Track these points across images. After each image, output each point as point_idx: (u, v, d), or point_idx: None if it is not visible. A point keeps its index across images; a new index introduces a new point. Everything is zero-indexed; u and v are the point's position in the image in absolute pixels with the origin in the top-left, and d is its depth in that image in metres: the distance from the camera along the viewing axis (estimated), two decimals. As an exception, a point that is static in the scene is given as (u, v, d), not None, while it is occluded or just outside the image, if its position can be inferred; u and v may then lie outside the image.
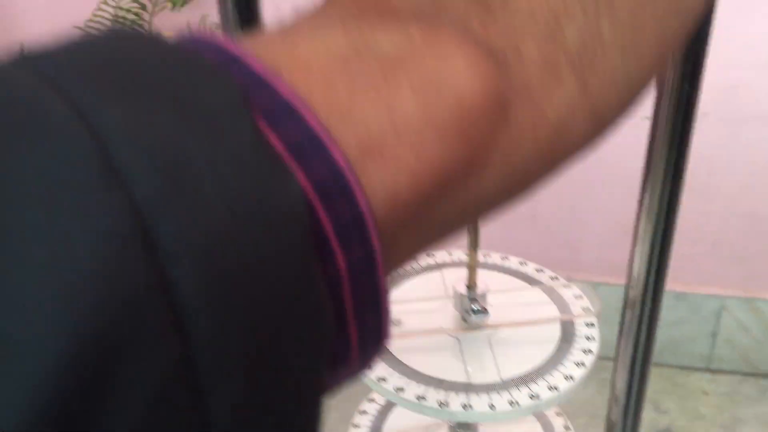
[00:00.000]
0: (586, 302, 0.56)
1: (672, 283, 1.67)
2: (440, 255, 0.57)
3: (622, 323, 0.47)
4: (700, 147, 1.60)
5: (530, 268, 0.59)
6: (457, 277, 0.55)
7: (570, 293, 0.56)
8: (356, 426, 0.58)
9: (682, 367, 1.67)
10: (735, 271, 1.59)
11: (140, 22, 1.57)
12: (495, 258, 0.59)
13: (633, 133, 1.58)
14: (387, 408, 0.61)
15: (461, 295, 0.51)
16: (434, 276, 0.57)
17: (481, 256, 0.55)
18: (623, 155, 1.60)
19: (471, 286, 0.53)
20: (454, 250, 0.58)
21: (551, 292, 0.56)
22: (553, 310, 0.54)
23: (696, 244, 1.58)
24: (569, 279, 1.77)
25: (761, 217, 1.54)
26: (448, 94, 0.20)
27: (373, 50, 0.20)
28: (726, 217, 1.55)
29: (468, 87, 0.20)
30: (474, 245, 0.52)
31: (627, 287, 0.47)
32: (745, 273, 1.58)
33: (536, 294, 0.56)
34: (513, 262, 0.58)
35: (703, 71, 0.39)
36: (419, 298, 0.54)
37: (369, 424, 0.59)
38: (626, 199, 1.67)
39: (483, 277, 0.54)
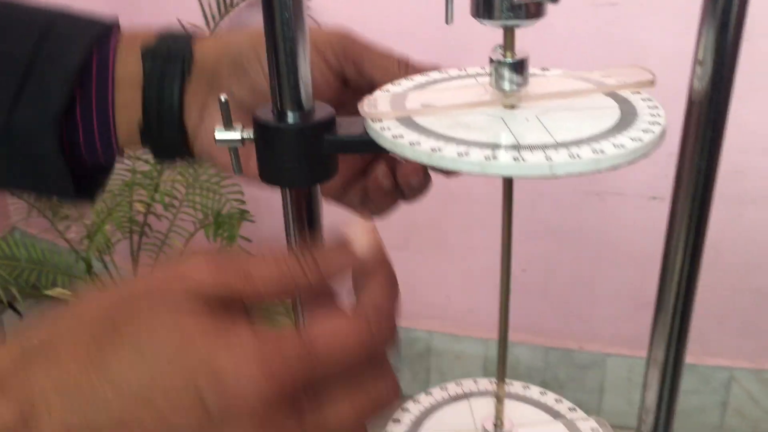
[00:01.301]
0: None
1: (681, 355, 1.43)
2: (467, 384, 0.50)
3: (643, 389, 0.41)
4: (708, 225, 1.42)
5: (550, 398, 0.49)
6: (484, 409, 0.48)
7: (587, 426, 0.46)
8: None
9: (692, 443, 1.39)
10: (743, 344, 1.34)
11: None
12: (517, 387, 0.50)
13: (642, 214, 1.41)
14: (421, 417, 0.47)
15: None
16: (462, 407, 0.49)
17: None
18: (634, 233, 1.43)
19: (498, 423, 0.46)
20: (480, 379, 0.51)
21: (571, 426, 0.46)
22: None
23: (704, 318, 1.35)
24: (581, 349, 1.53)
25: (767, 293, 1.32)
26: None
27: None
28: (733, 292, 1.33)
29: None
30: (502, 377, 0.44)
31: (648, 359, 0.40)
32: (753, 345, 1.34)
33: (558, 428, 0.47)
34: (534, 392, 0.50)
35: (719, 155, 0.35)
36: None
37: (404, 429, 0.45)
38: (637, 274, 1.47)
39: (507, 408, 0.47)
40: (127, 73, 0.43)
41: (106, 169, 0.48)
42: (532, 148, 0.31)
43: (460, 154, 0.31)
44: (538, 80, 0.38)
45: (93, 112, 0.43)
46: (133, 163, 1.43)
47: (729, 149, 1.33)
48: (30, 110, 0.40)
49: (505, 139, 0.32)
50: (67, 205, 1.53)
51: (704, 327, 1.33)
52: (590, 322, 1.42)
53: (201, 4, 1.46)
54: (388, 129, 0.33)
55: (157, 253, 1.43)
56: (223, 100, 0.36)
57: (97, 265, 1.43)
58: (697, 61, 0.35)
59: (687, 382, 1.34)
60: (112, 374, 0.23)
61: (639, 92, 0.37)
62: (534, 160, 0.30)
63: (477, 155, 0.31)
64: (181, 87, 0.43)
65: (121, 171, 1.43)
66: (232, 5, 1.44)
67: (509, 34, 0.34)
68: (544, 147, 0.31)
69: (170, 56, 0.43)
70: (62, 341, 0.24)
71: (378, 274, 0.30)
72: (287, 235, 0.37)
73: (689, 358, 1.49)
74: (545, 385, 1.64)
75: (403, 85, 0.39)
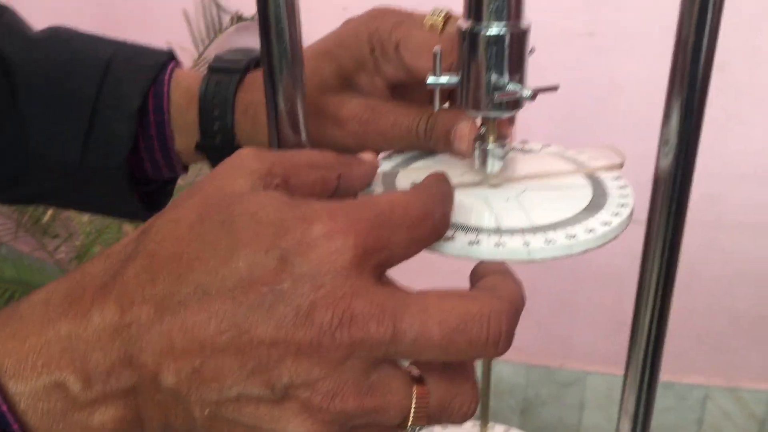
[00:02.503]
0: None
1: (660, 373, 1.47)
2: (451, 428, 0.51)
3: (620, 407, 0.43)
4: (683, 249, 1.46)
5: None
6: None
7: None
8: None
9: (668, 459, 1.43)
10: (718, 363, 1.38)
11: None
12: (499, 431, 0.52)
13: (621, 236, 1.45)
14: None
15: None
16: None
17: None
18: (613, 255, 1.47)
19: None
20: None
21: None
22: None
23: (681, 338, 1.39)
24: (562, 367, 1.57)
25: (741, 314, 1.36)
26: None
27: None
28: (709, 313, 1.37)
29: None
30: (485, 419, 0.46)
31: (626, 375, 0.42)
32: (727, 364, 1.38)
33: None
34: (515, 432, 0.51)
35: (691, 180, 0.37)
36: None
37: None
38: (615, 294, 1.51)
39: None
40: (182, 118, 0.46)
41: (173, 179, 0.51)
42: (512, 232, 0.34)
43: (446, 239, 0.34)
44: (519, 158, 0.41)
45: (154, 144, 0.46)
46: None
47: (705, 175, 1.38)
48: (99, 152, 0.44)
49: (488, 222, 0.35)
50: (56, 225, 1.54)
51: (681, 346, 1.37)
52: (571, 340, 1.45)
53: (190, 27, 1.49)
54: (380, 209, 0.36)
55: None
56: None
57: (86, 285, 1.44)
58: (662, 141, 0.38)
59: (664, 400, 1.38)
60: (199, 256, 0.25)
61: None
62: (513, 245, 0.33)
63: (462, 240, 0.34)
64: (232, 127, 0.45)
65: (110, 193, 1.45)
66: (221, 30, 1.47)
67: (492, 122, 0.37)
68: (522, 231, 0.34)
69: (219, 115, 0.44)
70: (153, 242, 0.26)
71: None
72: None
73: (666, 376, 1.56)
74: (527, 401, 1.67)
75: (392, 160, 0.42)
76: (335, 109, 0.41)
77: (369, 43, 0.41)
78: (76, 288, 0.26)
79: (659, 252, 0.41)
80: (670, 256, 0.41)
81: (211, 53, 1.50)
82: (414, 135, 0.40)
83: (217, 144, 0.44)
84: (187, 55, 1.50)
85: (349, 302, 0.25)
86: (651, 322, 0.44)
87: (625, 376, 0.45)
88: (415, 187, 0.30)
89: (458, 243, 0.34)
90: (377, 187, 0.38)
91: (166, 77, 0.45)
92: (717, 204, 1.29)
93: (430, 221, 0.28)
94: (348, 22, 0.43)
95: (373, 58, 0.41)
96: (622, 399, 0.45)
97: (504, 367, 1.49)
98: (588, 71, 1.26)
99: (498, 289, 0.29)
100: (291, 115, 0.36)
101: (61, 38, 0.46)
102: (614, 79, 1.25)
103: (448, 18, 0.41)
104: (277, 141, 0.37)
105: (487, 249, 0.33)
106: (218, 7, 1.46)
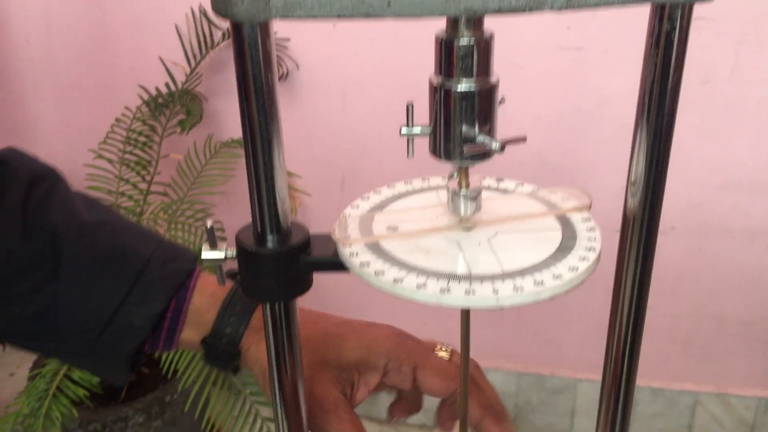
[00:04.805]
0: None
1: (648, 380, 1.48)
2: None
3: (599, 413, 0.44)
4: (670, 256, 1.47)
5: None
6: None
7: None
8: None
9: (659, 465, 1.45)
10: (706, 369, 1.40)
11: (151, 143, 1.47)
12: None
13: (607, 244, 1.46)
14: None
15: None
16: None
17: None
18: (601, 262, 1.48)
19: None
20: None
21: None
22: None
23: (669, 344, 1.40)
24: (553, 374, 1.58)
25: (727, 319, 1.37)
26: None
27: None
28: (696, 319, 1.38)
29: None
30: (464, 429, 0.48)
31: (604, 378, 0.42)
32: (715, 370, 1.39)
33: None
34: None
35: (658, 221, 0.37)
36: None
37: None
38: (605, 301, 1.53)
39: None
40: (199, 317, 0.50)
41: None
42: (482, 279, 0.35)
43: (418, 286, 0.35)
44: (493, 198, 0.42)
45: (162, 333, 0.50)
46: (116, 199, 1.46)
47: (690, 184, 1.39)
48: (112, 337, 0.48)
49: (460, 267, 0.36)
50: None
51: (669, 353, 1.38)
52: (561, 348, 1.47)
53: (182, 43, 1.50)
54: (356, 255, 0.37)
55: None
56: (209, 226, 0.39)
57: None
58: (630, 180, 0.39)
59: (653, 406, 1.39)
60: None
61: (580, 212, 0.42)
62: (483, 293, 0.34)
63: (433, 287, 0.35)
64: (240, 338, 0.50)
65: (105, 208, 1.46)
66: (212, 45, 1.48)
67: (464, 171, 0.38)
68: (492, 278, 0.35)
69: (234, 322, 0.50)
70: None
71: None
72: (267, 344, 0.41)
73: (656, 382, 1.57)
74: (518, 408, 1.67)
75: (370, 200, 0.43)
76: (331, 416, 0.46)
77: (387, 356, 0.48)
78: None
79: (629, 286, 0.42)
80: (640, 292, 0.42)
81: (203, 68, 1.51)
82: None
83: (221, 345, 0.49)
84: (179, 71, 1.51)
85: None
86: (622, 361, 0.44)
87: (602, 382, 0.45)
88: None
89: (430, 290, 0.35)
90: (353, 233, 0.39)
91: (192, 283, 0.50)
92: (702, 211, 1.30)
93: None
94: (374, 328, 0.49)
95: (383, 368, 0.48)
96: (600, 405, 0.45)
97: (495, 375, 1.50)
98: (574, 83, 1.27)
99: None
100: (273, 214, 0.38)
101: (110, 228, 0.50)
102: (599, 91, 1.26)
103: (452, 353, 0.50)
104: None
105: (458, 296, 0.34)
106: (210, 22, 1.46)
